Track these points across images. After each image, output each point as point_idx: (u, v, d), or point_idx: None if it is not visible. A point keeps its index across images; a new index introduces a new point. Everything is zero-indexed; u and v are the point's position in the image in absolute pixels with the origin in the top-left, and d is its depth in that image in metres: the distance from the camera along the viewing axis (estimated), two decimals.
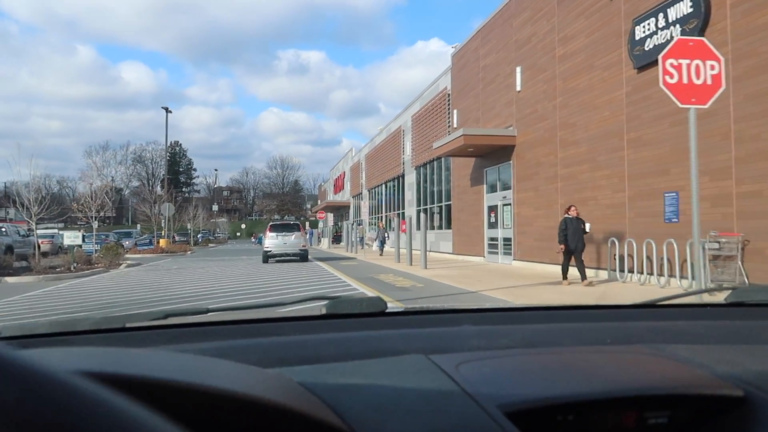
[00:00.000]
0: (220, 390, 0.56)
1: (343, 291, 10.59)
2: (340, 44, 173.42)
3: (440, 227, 23.66)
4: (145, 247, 32.42)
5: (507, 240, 17.27)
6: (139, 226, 59.87)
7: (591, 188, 12.70)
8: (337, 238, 45.88)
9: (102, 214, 21.75)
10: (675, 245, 9.44)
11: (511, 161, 16.78)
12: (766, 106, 8.47)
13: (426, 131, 25.27)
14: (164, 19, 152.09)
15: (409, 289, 10.53)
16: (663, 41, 10.24)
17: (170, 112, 36.59)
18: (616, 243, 11.13)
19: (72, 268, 16.59)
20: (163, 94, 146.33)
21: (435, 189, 24.80)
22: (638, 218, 11.12)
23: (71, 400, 0.37)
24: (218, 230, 76.89)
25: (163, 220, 34.49)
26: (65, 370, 0.39)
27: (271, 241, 20.72)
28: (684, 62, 5.56)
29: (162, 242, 33.55)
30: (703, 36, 8.85)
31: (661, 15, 10.41)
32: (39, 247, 24.87)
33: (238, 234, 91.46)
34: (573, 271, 10.54)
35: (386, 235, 25.36)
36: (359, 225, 34.90)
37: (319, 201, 65.68)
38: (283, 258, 21.27)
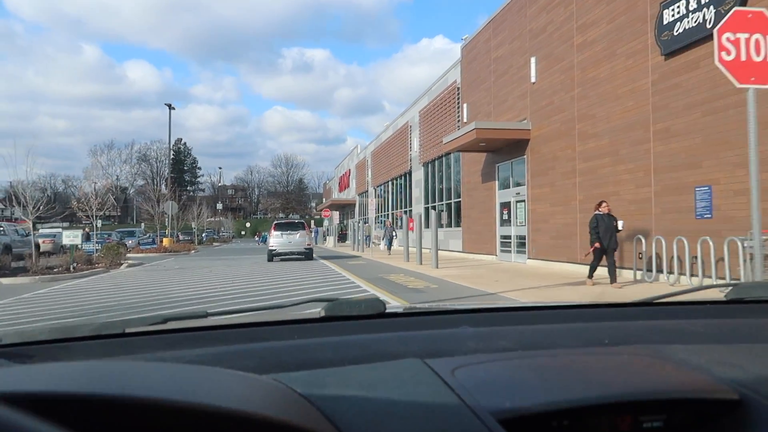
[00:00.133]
0: (209, 407, 0.58)
1: (352, 293, 9.97)
2: (345, 42, 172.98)
3: (449, 225, 23.00)
4: (148, 247, 31.88)
5: (521, 238, 16.61)
6: (143, 225, 59.49)
7: (613, 183, 12.02)
8: (342, 237, 45.33)
9: (103, 212, 21.17)
10: (711, 243, 8.76)
11: (525, 156, 16.11)
12: None
13: (434, 126, 24.61)
14: (169, 17, 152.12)
15: (422, 290, 9.90)
16: (694, 24, 9.57)
17: (173, 108, 36.06)
18: (642, 241, 10.45)
19: (72, 269, 16.05)
20: (168, 92, 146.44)
21: (444, 186, 24.15)
22: (665, 214, 10.45)
23: None
24: (223, 229, 76.38)
25: (166, 219, 33.97)
26: None
27: (276, 239, 20.64)
28: (742, 36, 4.91)
29: (165, 241, 33.00)
30: None
31: None
32: (39, 246, 24.45)
33: (243, 233, 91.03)
34: (599, 271, 9.89)
35: (394, 233, 24.70)
36: (365, 223, 34.30)
37: (324, 199, 65.17)
38: (288, 257, 21.15)
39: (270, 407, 0.64)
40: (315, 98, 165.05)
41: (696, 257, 9.31)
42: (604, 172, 12.33)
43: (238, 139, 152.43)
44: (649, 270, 10.39)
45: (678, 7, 9.98)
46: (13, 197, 17.70)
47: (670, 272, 9.81)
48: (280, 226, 21.11)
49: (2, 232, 19.61)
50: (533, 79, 15.50)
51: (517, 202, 16.84)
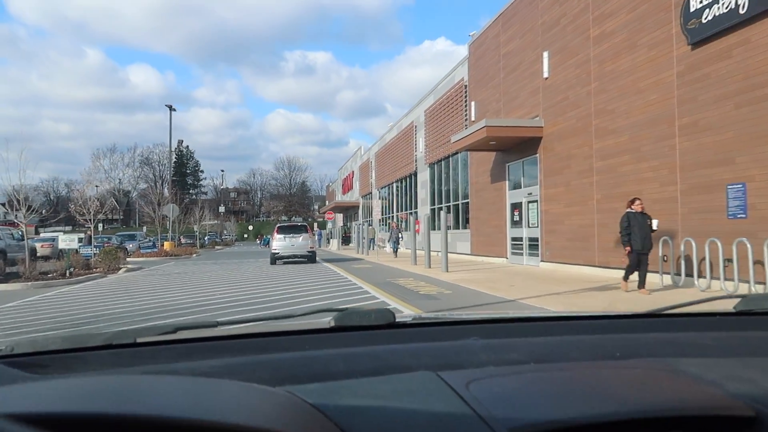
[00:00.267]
0: (226, 424, 0.59)
1: (361, 299, 9.33)
2: (347, 44, 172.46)
3: (456, 227, 22.37)
4: (149, 250, 31.28)
5: (533, 240, 15.96)
6: (145, 228, 58.99)
7: (634, 182, 11.38)
8: (346, 239, 44.73)
9: (101, 216, 20.60)
10: (748, 245, 8.11)
11: (537, 154, 15.47)
12: None
13: (441, 126, 23.98)
14: (171, 21, 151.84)
15: (435, 296, 9.26)
16: (725, 11, 8.93)
17: (174, 110, 35.50)
18: (670, 242, 9.79)
19: (68, 274, 15.46)
20: (171, 96, 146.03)
21: (450, 187, 23.51)
22: (693, 214, 9.81)
23: None
24: (225, 232, 75.82)
25: (168, 222, 33.38)
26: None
27: (279, 242, 20.63)
28: None
29: (167, 245, 32.40)
30: None
31: None
32: (36, 251, 23.90)
33: (246, 236, 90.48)
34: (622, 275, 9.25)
35: (400, 235, 24.04)
36: (369, 225, 33.67)
37: (327, 202, 64.58)
38: (291, 260, 21.08)
39: (285, 421, 0.65)
40: (317, 101, 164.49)
41: (730, 260, 8.66)
42: (625, 170, 11.68)
43: (241, 142, 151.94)
44: (677, 274, 9.74)
45: None
46: (14, 201, 17.36)
47: (701, 276, 9.14)
48: (283, 230, 21.11)
49: None
50: (546, 75, 14.87)
51: (528, 202, 16.20)
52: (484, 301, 8.44)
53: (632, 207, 8.84)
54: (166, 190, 39.87)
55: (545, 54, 14.88)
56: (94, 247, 20.90)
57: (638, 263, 8.77)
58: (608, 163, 12.26)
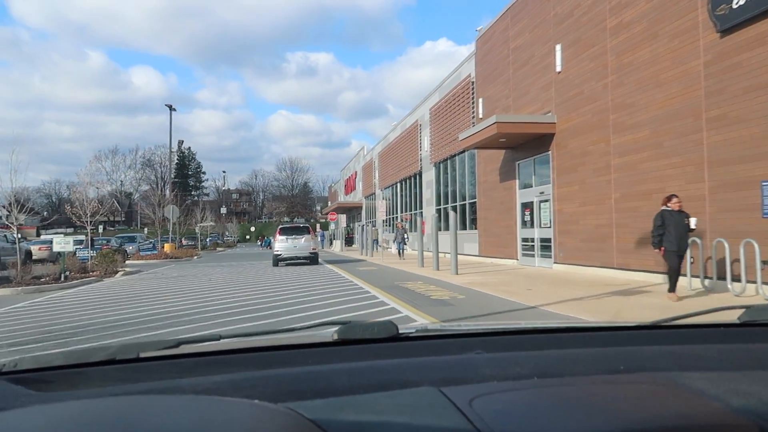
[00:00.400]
0: None
1: (369, 305, 8.72)
2: (349, 45, 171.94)
3: (463, 227, 21.74)
4: (148, 253, 30.70)
5: (545, 241, 15.34)
6: (146, 230, 58.46)
7: (655, 179, 10.76)
8: (349, 240, 44.14)
9: (97, 217, 20.04)
10: None
11: (549, 152, 14.85)
12: None
13: (446, 124, 23.37)
14: (173, 23, 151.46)
15: (448, 302, 8.65)
16: None
17: (174, 110, 34.96)
18: (699, 243, 9.16)
19: (63, 277, 14.89)
20: (173, 98, 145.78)
21: (457, 186, 22.90)
22: (722, 213, 9.19)
23: None
24: (227, 233, 75.22)
25: (168, 224, 32.78)
26: None
27: (282, 244, 20.50)
28: None
29: (167, 247, 31.81)
30: None
31: None
32: (32, 254, 23.35)
33: (248, 237, 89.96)
34: (642, 277, 8.62)
35: (406, 236, 23.41)
36: (373, 226, 33.07)
37: (329, 203, 64.02)
38: (293, 261, 20.91)
39: None
40: (319, 102, 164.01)
41: (766, 263, 8.04)
42: (645, 167, 11.06)
43: (243, 144, 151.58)
44: (707, 277, 9.12)
45: None
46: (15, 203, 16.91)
47: (735, 280, 8.51)
48: (285, 231, 20.98)
49: None
50: (558, 68, 14.26)
51: (540, 202, 15.58)
52: (501, 308, 7.83)
53: (668, 204, 8.16)
54: (167, 192, 39.27)
55: (558, 47, 14.27)
56: (91, 249, 20.35)
57: (678, 264, 8.01)
58: (627, 159, 11.64)
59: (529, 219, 16.28)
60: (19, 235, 16.78)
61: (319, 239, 34.56)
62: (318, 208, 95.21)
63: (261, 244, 59.68)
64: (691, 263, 9.39)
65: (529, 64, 16.01)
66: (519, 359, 1.13)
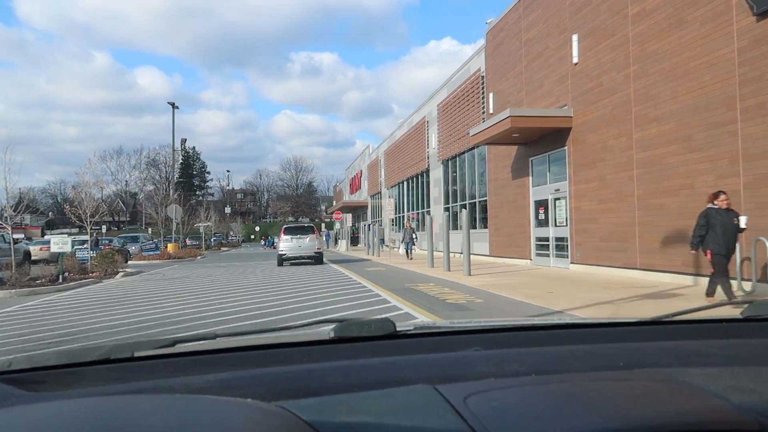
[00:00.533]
0: None
1: (381, 309, 8.12)
2: (353, 45, 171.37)
3: (473, 226, 21.10)
4: (151, 253, 30.18)
5: (561, 240, 14.71)
6: (150, 230, 58.01)
7: (683, 174, 10.12)
8: (354, 240, 43.58)
9: (97, 217, 19.53)
10: None
11: (565, 147, 14.22)
12: None
13: (455, 120, 22.73)
14: (178, 23, 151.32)
15: (466, 306, 8.03)
16: None
17: (177, 108, 34.44)
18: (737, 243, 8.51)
19: (61, 279, 14.36)
20: (178, 98, 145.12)
21: (466, 184, 22.27)
22: (760, 210, 8.54)
23: None
24: (231, 233, 74.75)
25: (172, 223, 32.27)
26: None
27: (286, 243, 20.33)
28: None
29: (170, 247, 31.29)
30: None
31: None
32: (30, 254, 22.87)
33: (252, 237, 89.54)
34: (671, 279, 7.97)
35: (414, 235, 22.80)
36: (379, 225, 32.46)
37: (334, 202, 63.45)
38: (298, 261, 20.76)
39: None
40: (323, 102, 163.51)
41: None
42: (672, 162, 10.41)
43: (248, 144, 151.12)
44: (745, 279, 8.48)
45: None
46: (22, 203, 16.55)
47: None
48: (289, 230, 20.78)
49: None
50: (575, 60, 13.62)
51: (555, 199, 14.94)
52: (524, 313, 7.21)
53: (715, 202, 7.48)
54: (171, 192, 38.82)
55: (574, 37, 13.63)
56: (93, 250, 19.84)
57: (725, 268, 7.29)
58: (651, 154, 11.00)
59: (543, 217, 15.65)
60: (21, 235, 16.29)
61: (324, 239, 34.01)
62: (323, 207, 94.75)
63: (264, 244, 59.18)
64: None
65: (543, 56, 15.37)
66: (517, 356, 1.11)
